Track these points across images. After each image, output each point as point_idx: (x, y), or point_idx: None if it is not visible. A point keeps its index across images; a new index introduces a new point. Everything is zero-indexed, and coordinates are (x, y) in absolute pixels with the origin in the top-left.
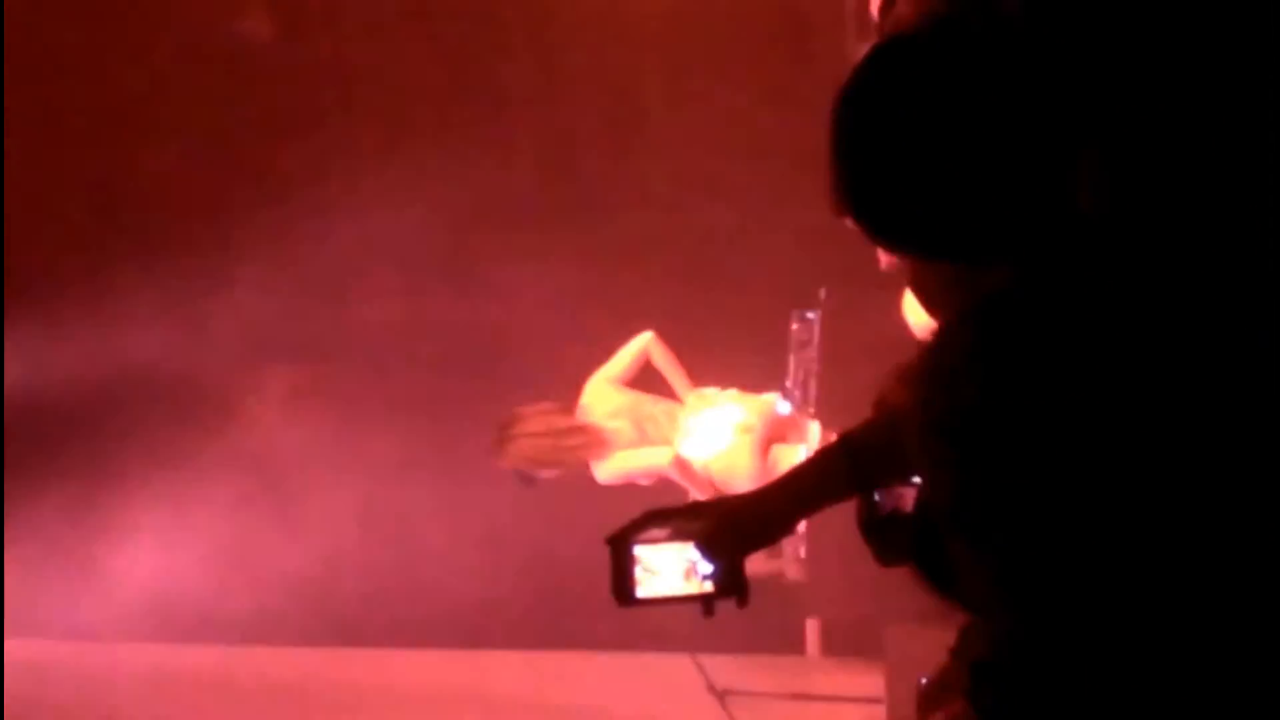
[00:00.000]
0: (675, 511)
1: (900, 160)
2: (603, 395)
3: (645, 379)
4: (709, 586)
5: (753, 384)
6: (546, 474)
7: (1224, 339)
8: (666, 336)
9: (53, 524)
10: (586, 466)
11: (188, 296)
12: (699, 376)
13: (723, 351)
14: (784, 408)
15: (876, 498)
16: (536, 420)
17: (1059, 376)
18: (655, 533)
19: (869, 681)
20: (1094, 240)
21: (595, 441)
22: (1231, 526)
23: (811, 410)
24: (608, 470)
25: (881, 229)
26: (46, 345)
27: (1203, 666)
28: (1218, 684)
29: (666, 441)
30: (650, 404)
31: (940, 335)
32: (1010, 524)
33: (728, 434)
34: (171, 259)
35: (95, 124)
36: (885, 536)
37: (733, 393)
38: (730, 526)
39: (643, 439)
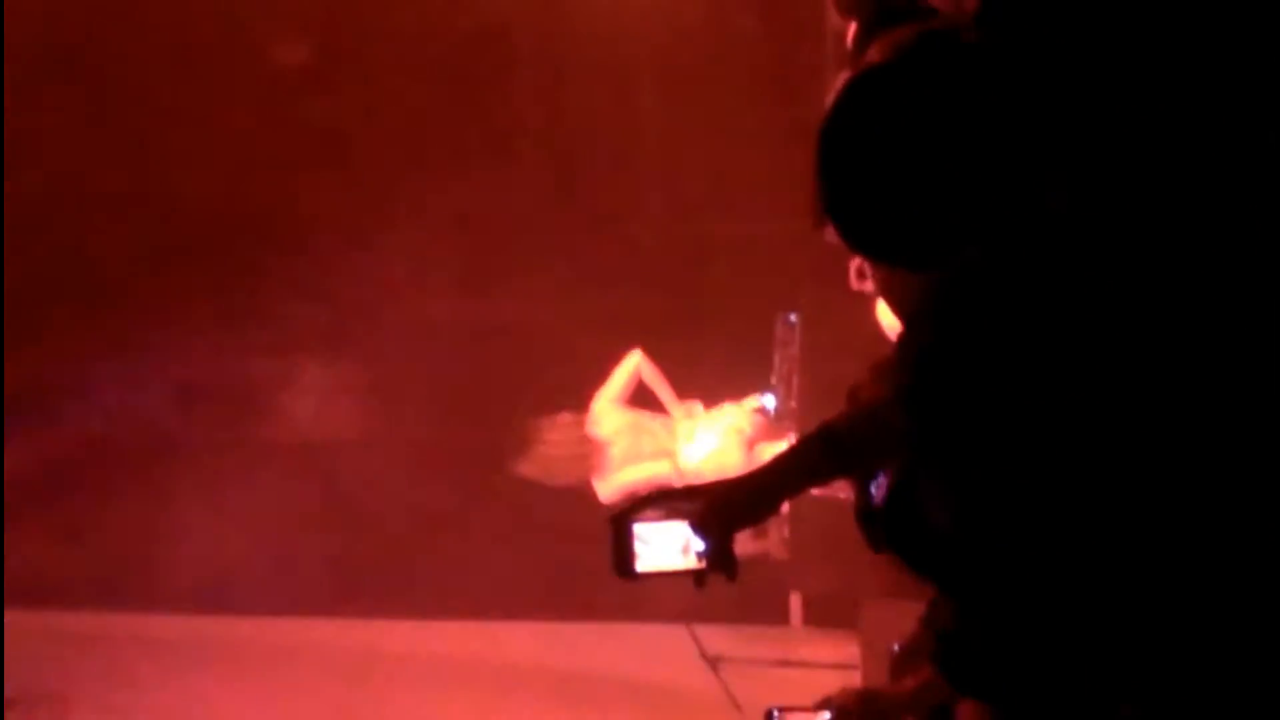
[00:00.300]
0: (671, 493)
1: (876, 179)
2: (607, 414)
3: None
4: (701, 562)
5: (739, 383)
6: (558, 483)
7: (1150, 314)
8: (661, 340)
9: (121, 509)
10: (590, 482)
11: (238, 305)
12: (692, 378)
13: (713, 354)
14: (769, 402)
15: (872, 490)
16: (555, 431)
17: (1008, 348)
18: (653, 512)
19: (846, 650)
20: (1041, 237)
21: (601, 454)
22: (1168, 500)
23: (793, 404)
24: (613, 486)
25: (859, 241)
26: (120, 354)
27: (1152, 626)
28: (1168, 645)
29: (665, 451)
30: (649, 420)
31: (907, 327)
32: (968, 486)
33: (720, 436)
34: (222, 270)
35: (147, 145)
36: (878, 526)
37: (725, 406)
38: (720, 507)
39: (639, 453)
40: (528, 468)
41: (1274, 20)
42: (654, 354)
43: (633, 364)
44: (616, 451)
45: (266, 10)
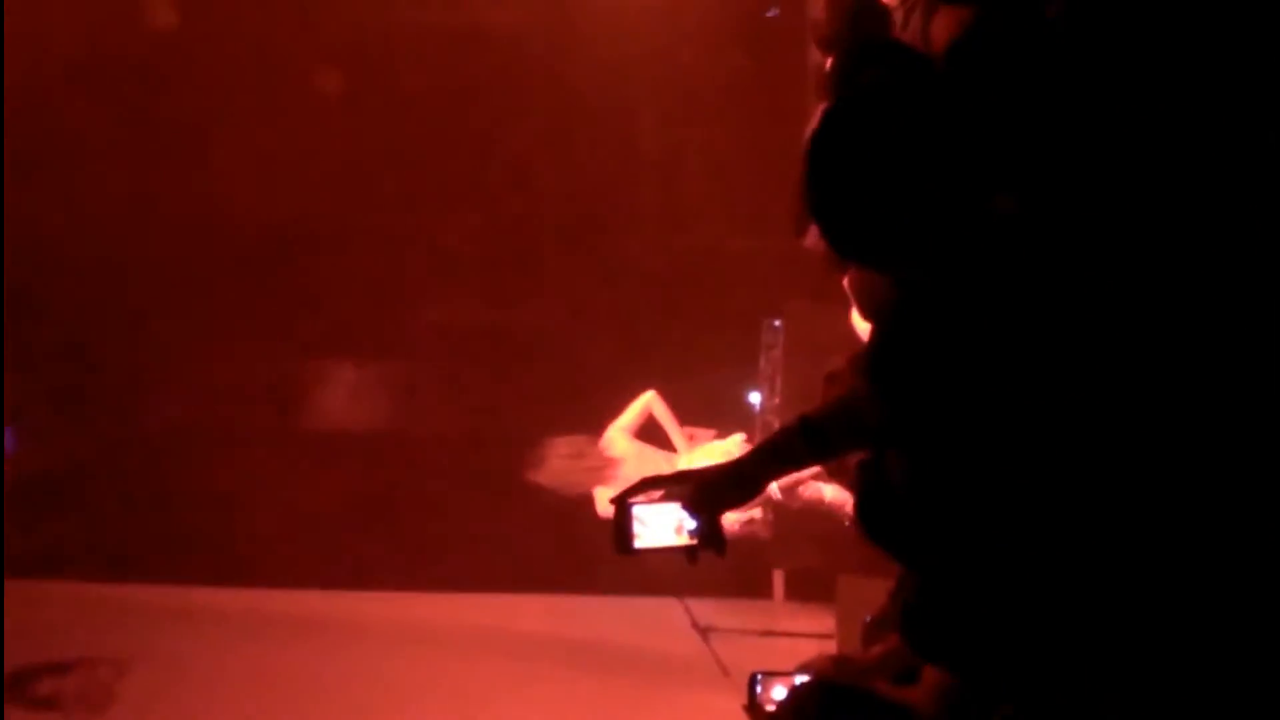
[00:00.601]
0: (667, 478)
1: (853, 188)
2: (618, 441)
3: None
4: (693, 540)
5: (729, 381)
6: (569, 493)
7: (1083, 303)
8: (659, 343)
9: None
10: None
11: (287, 313)
12: (687, 378)
13: (706, 355)
14: (755, 398)
15: None
16: (569, 447)
17: (963, 336)
18: (650, 495)
19: (824, 621)
20: (990, 244)
21: (609, 470)
22: (1115, 476)
23: (776, 400)
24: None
25: (838, 240)
26: (182, 357)
27: (1093, 600)
28: (1108, 619)
29: None
30: (652, 452)
31: (875, 321)
32: (928, 458)
33: (710, 459)
34: (274, 282)
35: (208, 169)
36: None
37: (715, 443)
38: (709, 490)
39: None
40: (544, 478)
41: (1186, 56)
42: (653, 355)
43: (645, 400)
44: (627, 473)
45: (304, 45)
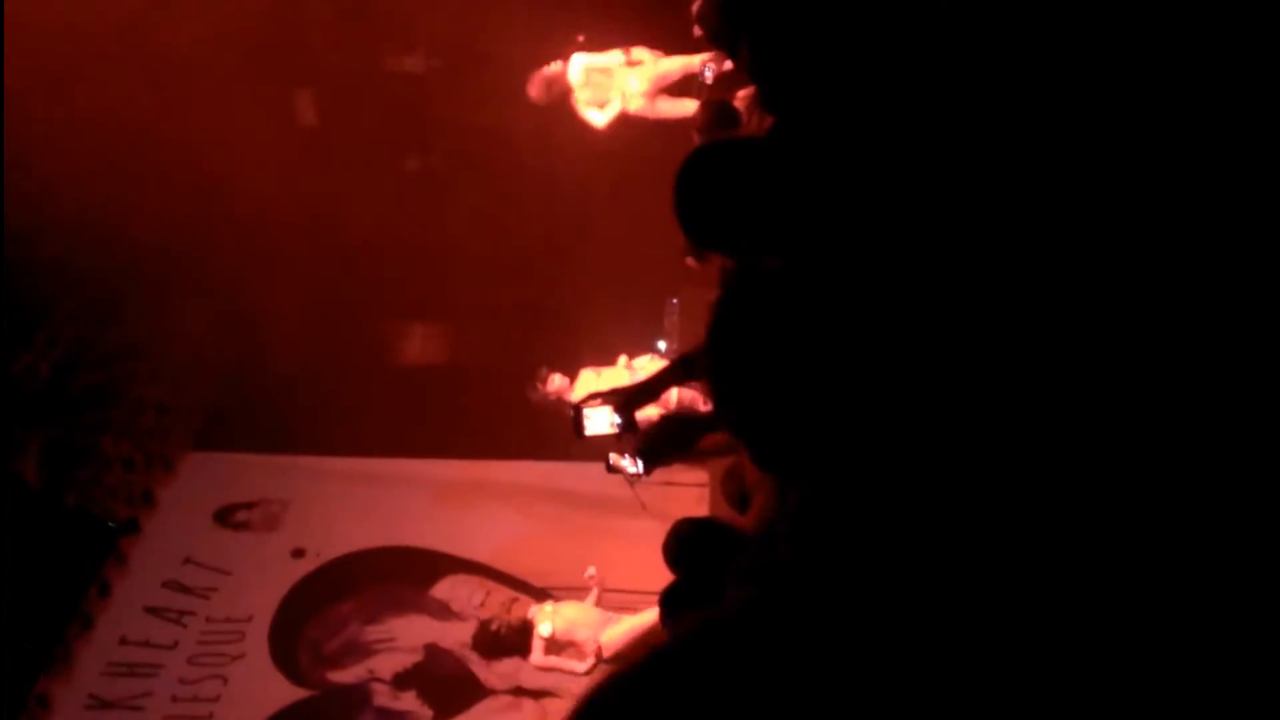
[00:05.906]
0: (604, 392)
1: (700, 204)
2: (585, 381)
3: None
4: (618, 428)
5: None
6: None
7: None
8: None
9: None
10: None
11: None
12: (620, 332)
13: (632, 319)
14: (661, 344)
15: None
16: (552, 381)
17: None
18: (593, 402)
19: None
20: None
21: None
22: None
23: (674, 345)
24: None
25: (696, 240)
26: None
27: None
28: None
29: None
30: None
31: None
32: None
33: (620, 379)
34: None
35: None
36: None
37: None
38: (627, 398)
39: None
40: (534, 397)
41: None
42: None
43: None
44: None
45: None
